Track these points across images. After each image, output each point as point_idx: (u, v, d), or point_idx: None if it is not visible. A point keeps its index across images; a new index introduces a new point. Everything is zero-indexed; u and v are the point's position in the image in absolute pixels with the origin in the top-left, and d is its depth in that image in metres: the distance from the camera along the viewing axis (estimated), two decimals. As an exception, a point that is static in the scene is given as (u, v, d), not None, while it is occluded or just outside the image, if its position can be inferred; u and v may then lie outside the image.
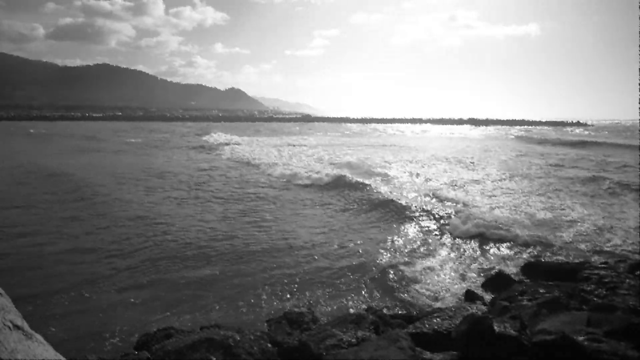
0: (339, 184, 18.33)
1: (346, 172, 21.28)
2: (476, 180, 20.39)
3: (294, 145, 42.31)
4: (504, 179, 20.77)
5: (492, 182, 19.77)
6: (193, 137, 55.40)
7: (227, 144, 42.29)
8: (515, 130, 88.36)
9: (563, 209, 14.09)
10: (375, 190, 16.77)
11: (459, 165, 26.78)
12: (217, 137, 53.19)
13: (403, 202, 14.90)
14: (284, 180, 20.66)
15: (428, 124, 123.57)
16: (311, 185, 18.87)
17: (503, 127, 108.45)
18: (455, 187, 18.24)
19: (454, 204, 14.93)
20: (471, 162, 27.52)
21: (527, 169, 24.80)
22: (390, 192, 16.74)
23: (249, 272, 8.96)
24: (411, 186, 18.66)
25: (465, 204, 14.84)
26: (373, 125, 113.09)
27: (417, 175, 22.02)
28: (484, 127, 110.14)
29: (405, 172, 22.98)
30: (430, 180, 20.50)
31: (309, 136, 59.08)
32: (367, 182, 18.31)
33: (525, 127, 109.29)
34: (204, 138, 53.02)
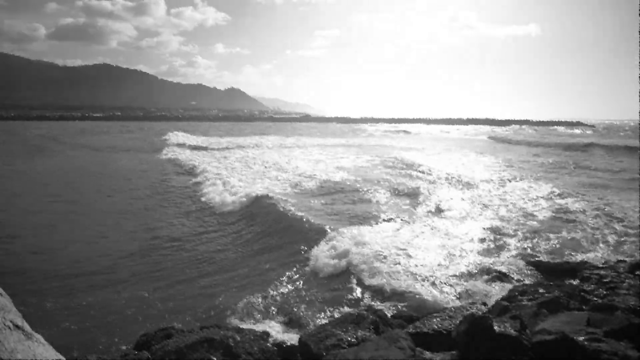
0: (253, 205, 14.96)
1: (274, 187, 17.93)
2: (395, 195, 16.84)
3: (253, 147, 40.30)
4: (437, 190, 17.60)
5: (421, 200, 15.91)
6: (161, 142, 51.65)
7: (180, 146, 40.44)
8: (502, 130, 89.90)
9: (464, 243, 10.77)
10: (287, 215, 13.35)
11: (408, 172, 23.28)
12: (181, 138, 50.95)
13: (304, 227, 12.02)
14: (199, 194, 17.92)
15: (422, 124, 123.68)
16: (221, 203, 15.66)
17: (493, 126, 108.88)
18: (374, 210, 14.15)
19: (356, 228, 11.53)
20: (421, 171, 23.15)
21: (472, 174, 21.66)
22: (300, 213, 13.38)
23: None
24: (329, 202, 15.61)
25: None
26: (366, 125, 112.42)
27: (345, 186, 18.39)
28: (478, 126, 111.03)
29: (339, 181, 19.55)
30: (355, 194, 16.95)
31: (283, 137, 55.98)
32: (285, 204, 14.58)
33: (513, 126, 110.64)
34: (164, 137, 51.40)
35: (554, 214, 13.29)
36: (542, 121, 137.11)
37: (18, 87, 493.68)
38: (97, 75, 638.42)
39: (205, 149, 39.11)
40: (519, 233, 11.44)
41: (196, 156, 31.78)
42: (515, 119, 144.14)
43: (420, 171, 23.10)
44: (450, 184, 19.23)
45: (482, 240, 10.84)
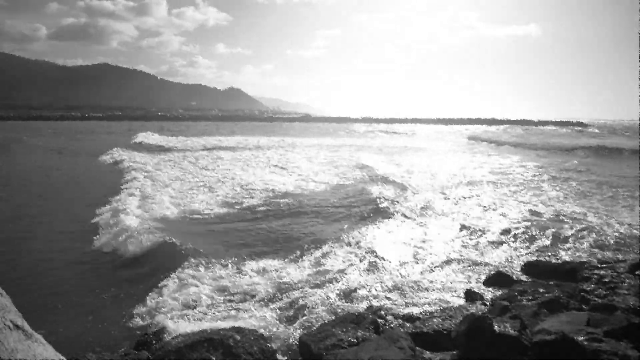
0: (148, 255, 10.05)
1: (190, 207, 14.40)
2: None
3: (221, 149, 37.46)
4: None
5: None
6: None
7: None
8: (495, 129, 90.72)
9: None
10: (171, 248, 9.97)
11: (362, 173, 22.18)
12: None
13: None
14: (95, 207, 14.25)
15: (421, 124, 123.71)
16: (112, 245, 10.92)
17: (491, 126, 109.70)
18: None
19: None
20: (380, 176, 21.12)
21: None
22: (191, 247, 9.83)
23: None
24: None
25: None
26: (361, 125, 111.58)
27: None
28: (475, 125, 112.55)
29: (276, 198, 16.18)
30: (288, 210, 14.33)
31: (267, 137, 53.43)
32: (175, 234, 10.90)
33: (504, 126, 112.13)
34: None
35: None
36: (534, 121, 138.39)
37: (18, 87, 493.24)
38: (97, 75, 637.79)
39: (167, 150, 35.85)
40: (513, 234, 11.41)
41: (143, 159, 28.39)
42: (513, 119, 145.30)
43: (379, 175, 21.13)
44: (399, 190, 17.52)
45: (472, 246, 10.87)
